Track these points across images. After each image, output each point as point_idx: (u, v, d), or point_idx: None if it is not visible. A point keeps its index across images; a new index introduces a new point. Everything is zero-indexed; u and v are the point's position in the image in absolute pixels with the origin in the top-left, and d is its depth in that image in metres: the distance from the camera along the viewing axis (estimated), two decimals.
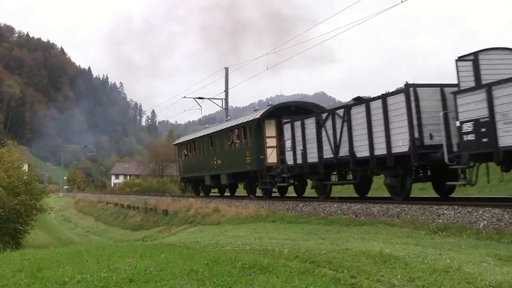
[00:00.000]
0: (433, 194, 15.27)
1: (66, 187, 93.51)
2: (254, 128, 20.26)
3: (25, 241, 25.55)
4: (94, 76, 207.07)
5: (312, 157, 16.54)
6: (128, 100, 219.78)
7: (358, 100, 14.63)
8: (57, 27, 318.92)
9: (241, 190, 27.16)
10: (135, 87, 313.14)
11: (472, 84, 11.09)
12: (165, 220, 25.25)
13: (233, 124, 22.71)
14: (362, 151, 14.16)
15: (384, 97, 13.37)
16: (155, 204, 30.06)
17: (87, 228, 39.26)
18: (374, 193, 20.25)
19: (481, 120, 10.36)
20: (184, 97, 37.91)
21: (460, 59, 11.33)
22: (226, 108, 36.95)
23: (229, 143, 22.80)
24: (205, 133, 26.40)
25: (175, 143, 34.44)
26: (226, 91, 36.43)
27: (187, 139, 30.45)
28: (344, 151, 14.96)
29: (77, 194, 73.23)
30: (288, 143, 18.00)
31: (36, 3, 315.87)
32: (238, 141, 21.93)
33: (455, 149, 11.64)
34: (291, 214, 15.72)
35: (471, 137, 10.64)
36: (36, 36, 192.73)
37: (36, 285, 5.72)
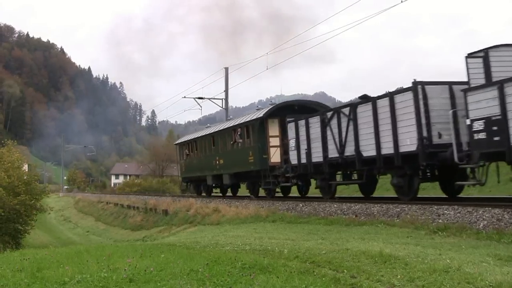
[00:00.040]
0: (433, 194, 15.32)
1: (66, 187, 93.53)
2: (257, 127, 20.04)
3: (25, 241, 25.54)
4: (94, 76, 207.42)
5: (317, 156, 16.29)
6: (128, 100, 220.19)
7: (365, 98, 14.38)
8: (57, 27, 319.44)
9: (243, 190, 27.11)
10: (135, 87, 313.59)
11: (483, 81, 10.83)
12: (165, 220, 25.25)
13: (236, 123, 22.47)
14: (368, 151, 13.91)
15: (391, 95, 13.12)
16: (155, 204, 30.05)
17: (87, 228, 39.26)
18: (374, 193, 20.24)
19: (493, 118, 10.12)
20: (184, 97, 37.95)
21: (470, 56, 11.08)
22: (226, 108, 36.96)
23: (231, 142, 22.56)
24: (207, 133, 26.15)
25: (176, 142, 34.22)
26: (226, 91, 36.45)
27: (189, 138, 30.19)
28: (350, 150, 14.72)
29: (77, 194, 73.24)
30: (292, 142, 17.76)
31: (36, 3, 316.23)
32: (240, 140, 21.70)
33: (464, 148, 11.39)
34: (291, 214, 15.71)
35: (482, 135, 10.40)
36: (36, 36, 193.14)
37: (36, 285, 5.72)
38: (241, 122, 21.88)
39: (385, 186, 18.86)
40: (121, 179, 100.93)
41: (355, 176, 16.10)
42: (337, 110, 15.65)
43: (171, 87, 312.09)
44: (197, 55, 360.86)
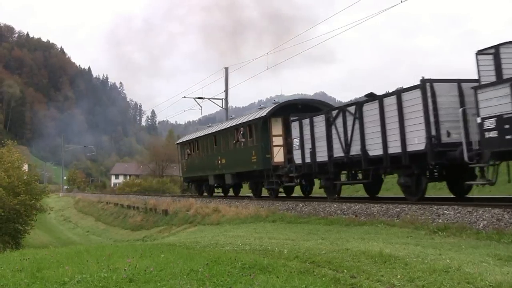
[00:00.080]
0: (433, 194, 15.29)
1: (66, 187, 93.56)
2: (260, 127, 19.80)
3: (25, 241, 25.55)
4: (94, 76, 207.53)
5: (322, 155, 16.03)
6: (128, 100, 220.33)
7: (371, 97, 14.11)
8: (57, 27, 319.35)
9: (244, 190, 27.02)
10: (135, 87, 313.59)
11: (493, 78, 10.59)
12: (165, 220, 25.25)
13: (239, 123, 22.21)
14: (375, 150, 13.67)
15: (399, 93, 12.87)
16: (155, 204, 30.04)
17: (87, 228, 39.26)
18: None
19: (505, 116, 9.89)
20: (184, 97, 37.95)
21: (480, 52, 10.86)
22: (226, 108, 36.96)
23: (234, 142, 22.36)
24: (209, 132, 25.90)
25: (178, 142, 33.98)
26: (226, 91, 36.46)
27: (191, 138, 29.88)
28: (355, 149, 14.47)
29: (77, 194, 73.26)
30: (296, 142, 17.47)
31: (36, 3, 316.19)
32: (243, 139, 21.48)
33: (474, 147, 11.10)
34: (291, 214, 15.70)
35: (493, 134, 10.17)
36: (36, 36, 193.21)
37: (36, 285, 5.72)
38: (244, 121, 21.63)
39: (385, 186, 18.75)
40: (121, 179, 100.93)
41: (360, 176, 15.86)
42: (343, 108, 15.39)
43: (171, 87, 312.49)
44: (197, 55, 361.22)
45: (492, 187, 13.79)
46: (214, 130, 25.29)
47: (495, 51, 10.67)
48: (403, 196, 15.85)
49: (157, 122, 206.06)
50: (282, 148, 19.39)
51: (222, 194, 27.46)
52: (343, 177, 16.43)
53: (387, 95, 13.52)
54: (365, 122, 14.08)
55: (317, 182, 18.60)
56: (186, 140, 30.55)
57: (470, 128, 11.39)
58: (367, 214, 13.12)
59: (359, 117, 14.31)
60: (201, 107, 53.42)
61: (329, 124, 15.69)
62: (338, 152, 15.29)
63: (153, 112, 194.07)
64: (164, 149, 72.99)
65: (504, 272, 5.57)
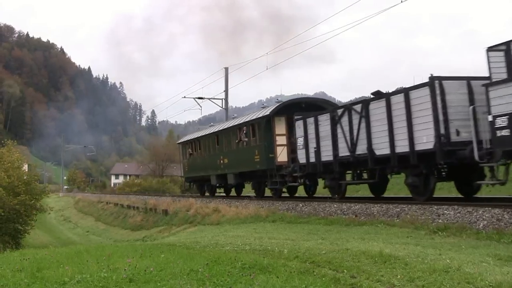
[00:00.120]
0: (433, 194, 15.21)
1: (66, 187, 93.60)
2: (264, 126, 19.54)
3: (25, 241, 25.55)
4: (94, 76, 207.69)
5: (327, 155, 15.76)
6: (128, 100, 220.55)
7: (378, 95, 13.81)
8: (57, 27, 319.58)
9: (247, 190, 26.89)
10: (135, 87, 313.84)
11: (505, 75, 10.30)
12: (165, 220, 25.24)
13: (241, 122, 21.98)
14: (381, 149, 13.41)
15: (406, 91, 12.58)
16: (155, 204, 30.04)
17: (87, 228, 39.26)
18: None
19: None
20: (184, 97, 37.98)
21: (491, 49, 10.61)
22: (226, 108, 36.99)
23: (236, 141, 22.11)
24: (211, 131, 25.63)
25: (179, 141, 33.75)
26: (226, 91, 36.48)
27: (192, 137, 29.55)
28: (361, 148, 14.19)
29: (77, 194, 73.28)
30: (300, 141, 17.22)
31: (36, 3, 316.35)
32: (246, 139, 21.23)
33: (485, 145, 10.85)
34: (291, 214, 15.70)
35: (505, 132, 9.93)
36: (36, 36, 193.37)
37: (36, 285, 5.72)
38: (247, 120, 21.39)
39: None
40: (121, 179, 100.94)
41: (365, 176, 15.63)
42: (348, 107, 15.12)
43: (171, 87, 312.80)
44: (197, 55, 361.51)
45: (492, 187, 13.76)
46: (216, 130, 24.99)
47: (507, 47, 10.38)
48: (403, 196, 15.86)
49: (157, 122, 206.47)
50: (285, 147, 19.14)
51: (224, 194, 27.27)
52: (348, 177, 16.19)
53: (395, 93, 13.23)
54: (372, 121, 13.81)
55: (320, 182, 18.34)
56: (188, 140, 30.26)
57: (480, 127, 11.15)
58: (367, 214, 13.12)
59: (365, 115, 14.04)
60: (201, 107, 53.44)
61: (334, 123, 15.43)
62: (343, 151, 15.03)
63: (153, 112, 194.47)
64: (164, 149, 73.04)
65: (504, 272, 5.57)
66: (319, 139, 16.17)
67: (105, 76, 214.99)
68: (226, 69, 36.63)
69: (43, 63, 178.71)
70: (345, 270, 6.00)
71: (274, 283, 5.25)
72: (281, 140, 19.33)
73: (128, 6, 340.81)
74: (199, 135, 28.09)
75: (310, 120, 16.66)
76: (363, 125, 14.12)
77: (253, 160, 20.29)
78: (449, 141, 11.52)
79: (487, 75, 10.72)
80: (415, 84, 12.55)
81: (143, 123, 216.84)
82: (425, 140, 11.90)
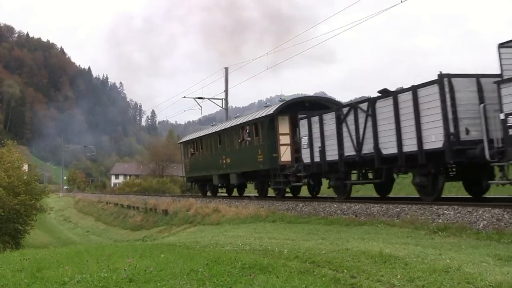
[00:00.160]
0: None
1: (66, 187, 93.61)
2: (267, 125, 19.31)
3: (25, 241, 25.55)
4: (94, 76, 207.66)
5: (332, 154, 15.51)
6: (128, 100, 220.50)
7: (385, 93, 13.56)
8: (57, 27, 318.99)
9: (249, 190, 26.66)
10: (135, 87, 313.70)
11: None
12: (165, 220, 25.25)
13: (244, 121, 21.68)
14: (388, 148, 13.16)
15: (414, 89, 12.30)
16: (155, 204, 30.04)
17: (87, 228, 39.27)
18: (374, 193, 20.25)
19: None
20: (184, 97, 37.93)
21: (502, 45, 10.43)
22: (226, 108, 36.99)
23: (239, 140, 21.86)
24: (213, 131, 25.36)
25: (180, 141, 33.47)
26: (226, 91, 36.48)
27: (194, 137, 29.23)
28: (368, 147, 13.94)
29: (77, 194, 73.28)
30: (304, 140, 16.95)
31: (36, 3, 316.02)
32: (249, 138, 21.01)
33: (496, 144, 10.66)
34: (291, 214, 15.70)
35: None
36: (36, 36, 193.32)
37: (36, 285, 5.73)
38: (250, 119, 21.12)
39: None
40: (121, 179, 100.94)
41: (370, 175, 15.44)
42: (354, 105, 14.84)
43: (171, 87, 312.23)
44: (197, 55, 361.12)
45: (492, 187, 13.77)
46: (219, 129, 24.70)
47: None
48: (403, 196, 15.81)
49: (157, 122, 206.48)
50: (289, 147, 18.93)
51: (226, 194, 27.05)
52: (353, 177, 15.94)
53: (402, 91, 12.94)
54: (378, 120, 13.58)
55: (325, 182, 18.12)
56: (190, 139, 29.94)
57: (490, 125, 10.93)
58: (367, 214, 13.12)
59: (371, 114, 13.79)
60: (201, 107, 53.54)
61: (340, 121, 15.20)
62: (349, 150, 14.79)
63: (153, 112, 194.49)
64: (164, 149, 73.04)
65: (504, 272, 5.57)
66: (324, 138, 15.93)
67: (105, 76, 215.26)
68: (226, 69, 36.66)
69: (43, 63, 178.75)
70: (345, 270, 6.01)
71: (274, 283, 5.26)
72: (284, 139, 19.11)
73: (128, 6, 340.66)
74: (201, 135, 27.77)
75: (315, 119, 16.44)
76: (369, 123, 13.90)
77: (256, 160, 20.07)
78: (459, 140, 11.27)
79: (497, 72, 10.53)
80: (423, 82, 12.21)
81: (143, 123, 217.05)
82: (434, 139, 11.67)
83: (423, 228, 10.31)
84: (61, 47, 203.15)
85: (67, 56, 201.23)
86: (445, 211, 10.97)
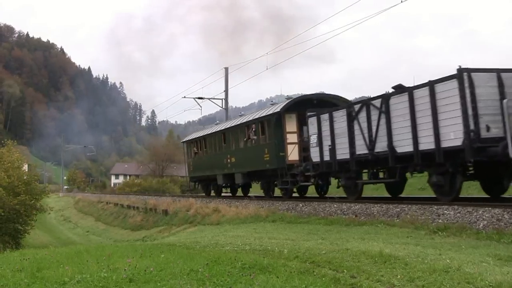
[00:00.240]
0: (432, 194, 15.18)
1: (66, 187, 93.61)
2: (274, 123, 18.82)
3: (25, 241, 25.55)
4: (94, 76, 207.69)
5: (343, 153, 15.03)
6: (128, 100, 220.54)
7: (399, 89, 13.03)
8: (57, 27, 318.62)
9: (254, 190, 26.42)
10: (135, 87, 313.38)
11: None
12: (165, 220, 25.26)
13: (250, 119, 21.23)
14: (403, 146, 12.66)
15: (431, 84, 11.79)
16: (155, 204, 30.05)
17: (87, 228, 39.28)
18: (374, 193, 20.25)
19: None
20: (184, 97, 38.00)
21: None
22: (226, 108, 37.01)
23: (244, 139, 21.37)
24: (218, 129, 24.84)
25: (183, 140, 32.97)
26: (226, 91, 36.51)
27: (198, 136, 28.69)
28: (381, 146, 13.46)
29: (77, 194, 73.29)
30: (313, 138, 16.40)
31: (36, 3, 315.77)
32: (255, 137, 20.55)
33: None
34: (291, 214, 15.70)
35: None
36: (36, 36, 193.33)
37: (36, 285, 5.73)
38: (256, 117, 20.65)
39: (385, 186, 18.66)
40: (121, 179, 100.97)
41: (381, 175, 14.98)
42: (366, 102, 14.36)
43: (171, 87, 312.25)
44: (198, 55, 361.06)
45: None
46: (223, 127, 24.18)
47: None
48: (403, 196, 15.73)
49: (157, 122, 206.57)
50: (296, 145, 18.46)
51: (230, 194, 26.73)
52: (364, 176, 15.48)
53: (418, 86, 12.39)
54: (392, 117, 13.07)
55: (333, 181, 17.73)
56: (193, 138, 29.38)
57: None
58: (367, 214, 13.12)
59: (385, 111, 13.30)
60: (201, 107, 53.68)
61: (351, 119, 14.69)
62: (361, 149, 14.28)
63: (153, 112, 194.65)
64: (164, 149, 73.11)
65: (504, 272, 5.57)
66: (334, 136, 15.46)
67: (105, 76, 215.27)
68: (226, 69, 36.70)
69: (43, 63, 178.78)
70: (345, 270, 6.01)
71: (274, 283, 5.26)
72: (292, 138, 18.63)
73: (128, 6, 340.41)
74: (204, 133, 27.25)
75: (325, 117, 15.95)
76: (383, 121, 13.42)
77: (262, 159, 19.66)
78: (479, 137, 10.77)
79: None
80: (440, 77, 11.76)
81: (143, 123, 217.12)
82: (453, 136, 11.21)
83: (423, 228, 10.31)
84: (61, 47, 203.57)
85: (67, 56, 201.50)
86: (445, 211, 10.97)
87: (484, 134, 10.79)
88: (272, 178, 20.33)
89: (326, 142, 15.81)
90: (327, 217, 13.95)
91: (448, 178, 12.05)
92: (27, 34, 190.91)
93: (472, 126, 10.78)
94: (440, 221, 10.62)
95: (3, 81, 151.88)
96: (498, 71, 11.15)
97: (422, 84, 12.21)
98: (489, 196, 13.08)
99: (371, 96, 14.98)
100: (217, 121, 29.33)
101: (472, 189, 17.85)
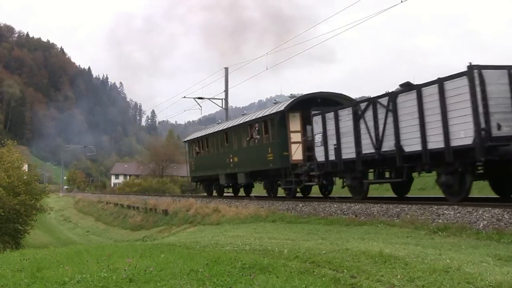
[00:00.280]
0: (433, 194, 15.23)
1: (66, 187, 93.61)
2: (277, 122, 18.57)
3: (25, 241, 25.55)
4: (94, 76, 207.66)
5: (348, 152, 14.79)
6: (128, 100, 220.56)
7: (407, 86, 12.75)
8: (57, 27, 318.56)
9: (257, 190, 26.36)
10: (135, 87, 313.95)
11: None
12: (165, 220, 25.26)
13: (253, 118, 20.99)
14: (411, 145, 12.40)
15: (440, 82, 11.50)
16: (155, 204, 30.04)
17: (87, 228, 39.28)
18: (374, 193, 20.24)
19: None
20: (184, 97, 37.98)
21: None
22: (226, 108, 37.01)
23: (247, 139, 21.18)
24: (220, 129, 24.60)
25: (185, 139, 32.68)
26: (226, 91, 36.51)
27: (200, 135, 28.38)
28: (388, 145, 13.21)
29: (77, 194, 73.28)
30: (318, 138, 16.18)
31: (36, 3, 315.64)
32: (258, 136, 20.36)
33: None
34: (291, 214, 15.71)
35: None
36: (36, 36, 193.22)
37: (36, 285, 5.73)
38: (259, 116, 20.36)
39: (385, 186, 18.64)
40: (121, 179, 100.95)
41: (387, 174, 14.71)
42: (373, 100, 14.06)
43: (171, 87, 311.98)
44: (198, 55, 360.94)
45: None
46: (226, 127, 23.97)
47: None
48: (403, 196, 15.72)
49: (157, 122, 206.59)
50: (300, 145, 18.20)
51: (232, 194, 26.61)
52: (370, 176, 15.24)
53: (427, 84, 12.09)
54: (400, 115, 12.81)
55: (338, 181, 17.50)
56: (195, 138, 29.06)
57: None
58: (367, 214, 13.12)
59: (392, 109, 13.04)
60: (201, 107, 53.68)
61: (357, 118, 14.44)
62: (367, 148, 14.04)
63: (153, 112, 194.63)
64: (164, 149, 73.12)
65: (504, 272, 5.57)
66: (339, 135, 15.21)
67: (105, 76, 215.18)
68: (226, 69, 36.70)
69: (43, 63, 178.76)
70: (345, 270, 6.01)
71: (274, 283, 5.26)
72: (295, 137, 18.36)
73: (128, 6, 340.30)
74: (207, 133, 26.98)
75: (330, 115, 15.71)
76: (390, 119, 13.17)
77: (265, 159, 19.45)
78: (490, 136, 10.53)
79: None
80: (450, 74, 11.50)
81: (143, 123, 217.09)
82: (463, 135, 10.93)
83: (423, 228, 10.31)
84: (61, 47, 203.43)
85: (67, 56, 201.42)
86: (445, 211, 10.98)
87: (495, 132, 10.57)
88: (275, 178, 20.16)
89: (331, 141, 15.60)
90: (327, 217, 13.95)
91: (457, 177, 11.83)
92: (27, 34, 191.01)
93: (483, 125, 10.53)
94: (440, 221, 10.62)
95: (3, 81, 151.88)
96: (509, 68, 10.98)
97: (431, 81, 11.92)
98: (498, 196, 12.94)
99: (371, 96, 14.91)
100: (219, 121, 29.13)
101: (472, 189, 17.83)
